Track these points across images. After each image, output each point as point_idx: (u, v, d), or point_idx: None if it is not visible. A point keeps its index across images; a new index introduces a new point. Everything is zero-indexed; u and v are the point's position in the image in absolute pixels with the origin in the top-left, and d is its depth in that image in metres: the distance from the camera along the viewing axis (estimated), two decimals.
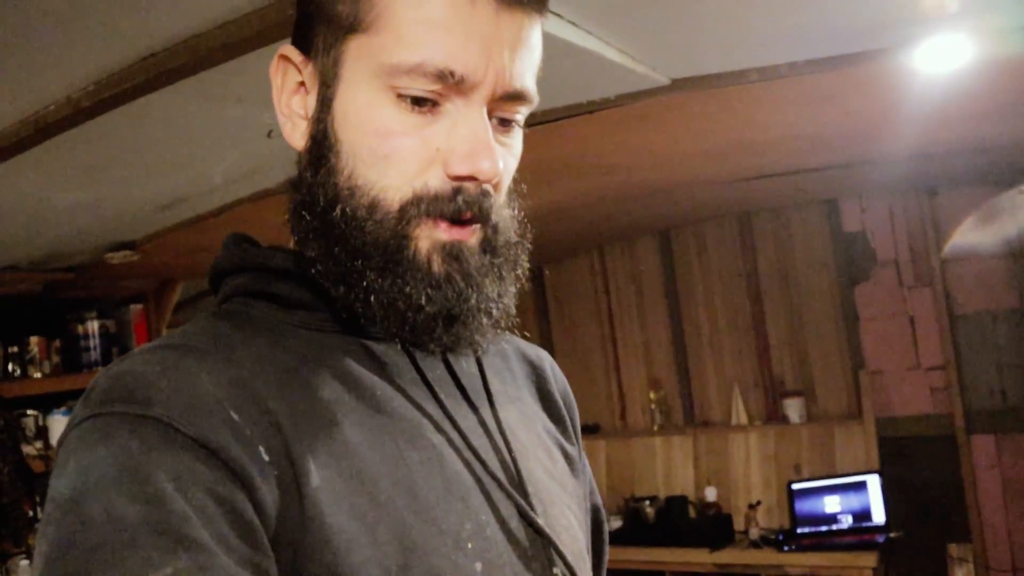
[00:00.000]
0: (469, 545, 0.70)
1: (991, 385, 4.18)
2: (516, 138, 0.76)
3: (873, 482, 4.11)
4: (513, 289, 0.76)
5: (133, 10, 1.33)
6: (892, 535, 3.99)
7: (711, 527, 4.29)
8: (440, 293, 0.70)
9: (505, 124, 0.73)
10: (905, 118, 2.60)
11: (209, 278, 0.82)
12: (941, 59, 1.98)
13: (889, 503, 4.07)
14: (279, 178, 2.50)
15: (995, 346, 4.17)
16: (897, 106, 2.50)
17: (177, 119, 1.87)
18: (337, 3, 0.71)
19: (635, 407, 5.06)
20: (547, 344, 5.28)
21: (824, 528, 4.14)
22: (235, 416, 0.63)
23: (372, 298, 0.70)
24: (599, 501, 0.95)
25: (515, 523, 0.75)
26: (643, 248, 5.03)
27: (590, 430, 5.06)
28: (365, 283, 0.70)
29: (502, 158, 0.72)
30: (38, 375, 3.39)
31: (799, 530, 4.17)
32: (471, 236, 0.72)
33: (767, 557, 4.03)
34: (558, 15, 1.56)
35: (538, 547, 0.76)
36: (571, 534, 0.82)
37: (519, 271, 0.77)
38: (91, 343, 3.55)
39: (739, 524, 4.38)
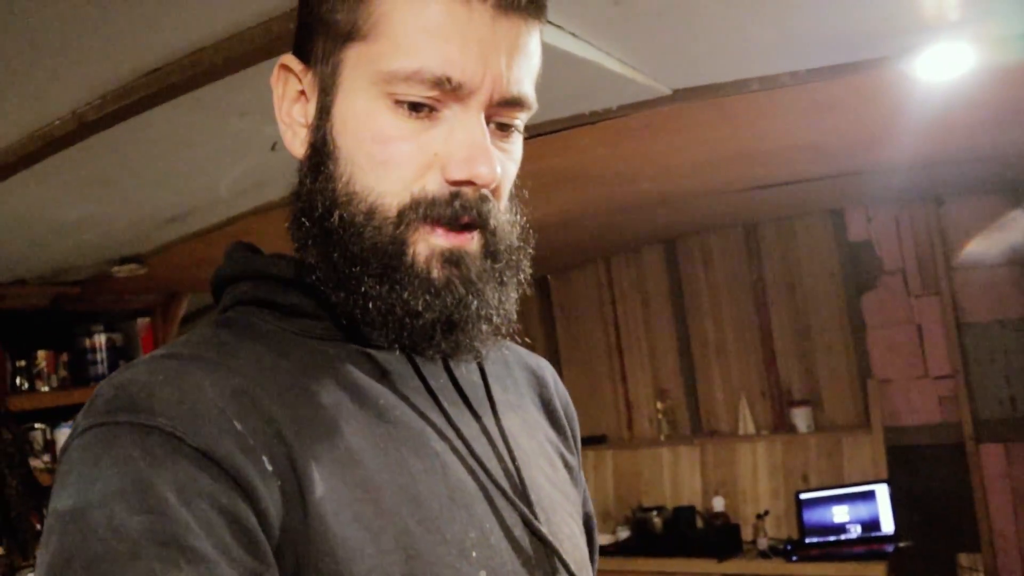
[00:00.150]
0: (473, 554, 0.70)
1: (1000, 394, 4.16)
2: (515, 143, 0.76)
3: (882, 491, 4.09)
4: (515, 295, 0.76)
5: (137, 26, 1.34)
6: (901, 545, 3.97)
7: (719, 537, 4.28)
8: (439, 299, 0.70)
9: (504, 129, 0.74)
10: (907, 127, 2.60)
11: (211, 286, 0.82)
12: (943, 67, 1.99)
13: (898, 513, 4.05)
14: (284, 191, 2.51)
15: (1004, 354, 4.15)
16: (899, 115, 2.50)
17: (181, 133, 1.88)
18: (336, 12, 0.71)
19: (642, 417, 5.05)
20: (553, 354, 5.27)
21: (832, 538, 4.12)
22: (238, 426, 0.63)
23: (370, 304, 0.70)
24: (591, 510, 0.95)
25: (519, 531, 0.75)
26: (649, 258, 5.03)
27: (597, 440, 5.05)
28: (363, 289, 0.70)
29: (500, 163, 0.72)
30: (45, 389, 3.40)
31: (807, 540, 4.15)
32: (471, 242, 0.72)
33: (775, 567, 4.01)
34: (558, 26, 1.57)
35: (541, 555, 0.76)
36: (573, 542, 0.82)
37: (521, 276, 0.77)
38: (98, 357, 3.56)
39: (747, 534, 4.36)
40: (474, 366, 0.83)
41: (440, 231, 0.70)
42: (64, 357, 3.48)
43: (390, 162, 0.70)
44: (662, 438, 4.89)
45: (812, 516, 4.20)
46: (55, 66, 1.45)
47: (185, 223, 2.68)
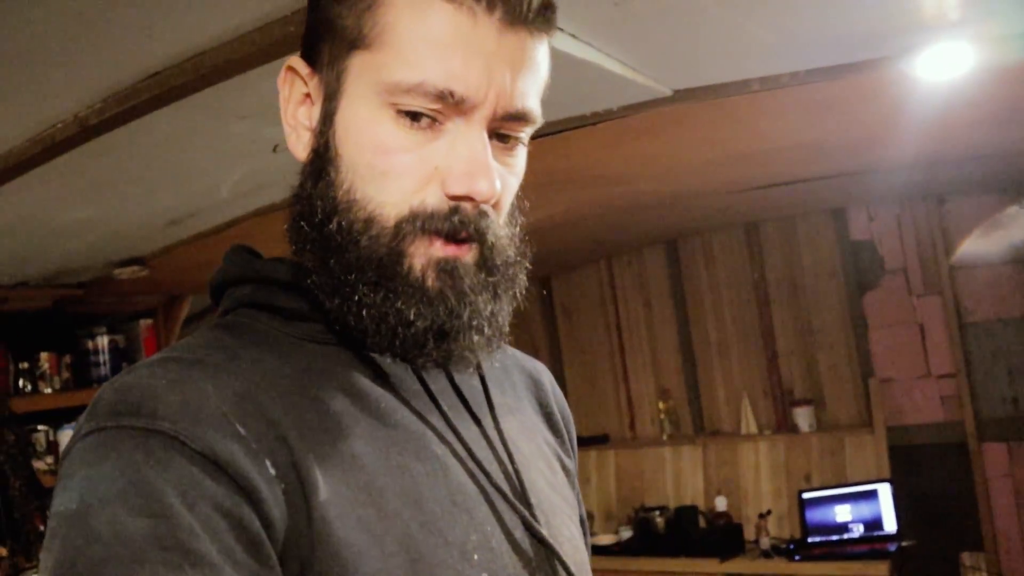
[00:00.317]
0: (475, 556, 0.70)
1: (1002, 393, 4.16)
2: (518, 157, 0.76)
3: (884, 491, 4.09)
4: (508, 308, 0.76)
5: (138, 30, 1.35)
6: (904, 544, 3.96)
7: (721, 537, 4.28)
8: (431, 309, 0.70)
9: (507, 142, 0.73)
10: (908, 126, 2.60)
11: (211, 289, 0.82)
12: (943, 67, 1.99)
13: (900, 512, 4.05)
14: (285, 193, 2.51)
15: (1006, 353, 4.15)
16: (900, 114, 2.50)
17: (183, 136, 1.88)
18: (343, 18, 0.71)
19: (644, 417, 5.05)
20: (555, 355, 5.28)
21: (835, 537, 4.12)
22: (241, 430, 0.63)
23: (364, 312, 0.70)
24: (584, 513, 0.96)
25: (519, 534, 0.75)
26: (650, 258, 5.03)
27: (599, 440, 5.05)
28: (357, 297, 0.70)
29: (501, 177, 0.72)
30: (48, 391, 3.40)
31: (810, 539, 4.15)
32: (467, 253, 0.72)
33: (778, 567, 4.01)
34: (559, 28, 1.57)
35: (542, 558, 0.76)
36: (573, 544, 0.83)
37: (516, 290, 0.77)
38: (101, 358, 3.57)
39: (749, 534, 4.36)
40: (473, 369, 0.83)
41: (438, 242, 0.71)
42: (67, 359, 3.48)
43: (390, 173, 0.70)
44: (664, 438, 4.89)
45: (815, 515, 4.19)
46: (57, 70, 1.45)
47: (187, 225, 2.69)
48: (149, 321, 3.75)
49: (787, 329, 4.65)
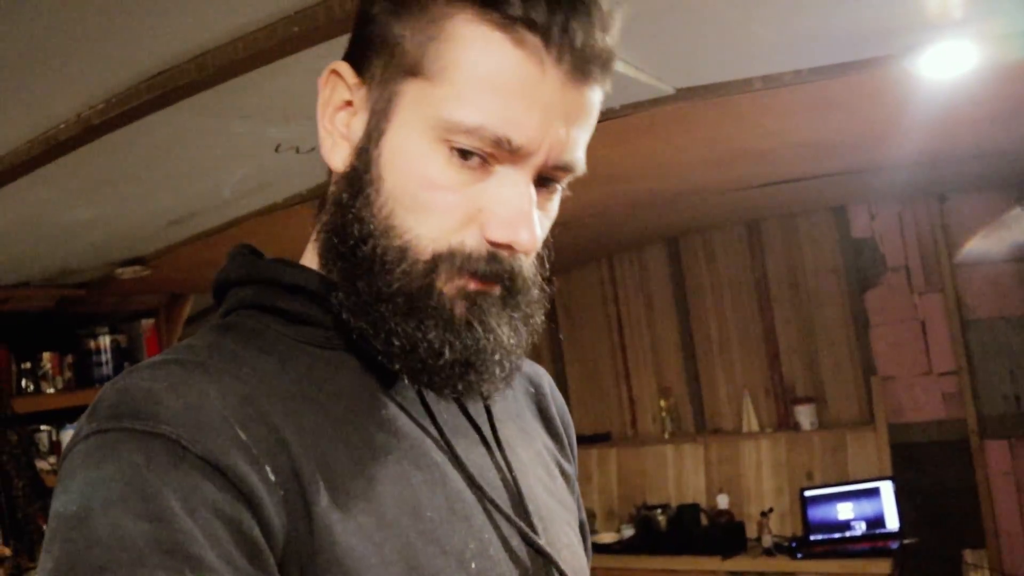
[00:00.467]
0: (473, 565, 0.70)
1: (1004, 390, 4.16)
2: (555, 201, 0.76)
3: (886, 488, 4.10)
4: (525, 344, 0.76)
5: (140, 30, 1.35)
6: (906, 542, 3.97)
7: (723, 535, 4.28)
8: (459, 339, 0.70)
9: (548, 187, 0.73)
10: (911, 124, 2.60)
11: (213, 289, 0.81)
12: (946, 65, 1.98)
13: (903, 509, 4.05)
14: (287, 192, 2.52)
15: (1008, 351, 4.15)
16: (902, 112, 2.50)
17: (185, 135, 1.88)
18: (403, 40, 0.69)
19: (645, 415, 5.05)
20: (557, 353, 5.28)
21: (837, 535, 4.12)
22: (242, 435, 0.62)
23: (393, 339, 0.70)
24: (584, 518, 0.95)
25: (516, 542, 0.75)
26: (652, 256, 5.03)
27: (601, 439, 5.06)
28: (389, 325, 0.70)
29: (539, 223, 0.71)
30: (51, 391, 3.40)
31: (812, 537, 4.15)
32: (494, 288, 0.72)
33: (780, 565, 4.02)
34: None
35: (539, 566, 0.76)
36: (572, 551, 0.83)
37: (533, 326, 0.76)
38: (103, 358, 3.57)
39: (751, 532, 4.37)
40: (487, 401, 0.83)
41: (471, 280, 0.70)
42: (69, 359, 3.49)
43: (433, 208, 0.69)
44: (666, 436, 4.89)
45: (816, 513, 4.20)
46: (59, 71, 1.45)
47: (189, 225, 2.69)
48: (151, 321, 3.76)
49: (788, 327, 4.65)
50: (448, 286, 0.70)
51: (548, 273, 0.79)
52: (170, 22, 1.34)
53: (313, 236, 0.77)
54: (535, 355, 1.02)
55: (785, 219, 4.65)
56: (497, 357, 0.72)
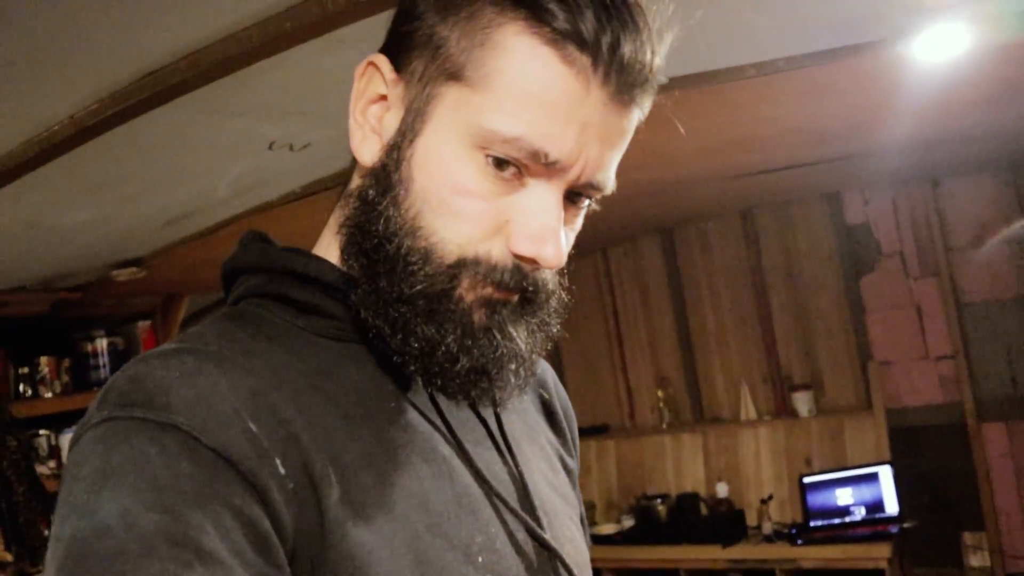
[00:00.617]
0: (480, 559, 0.70)
1: (1001, 373, 4.18)
2: (581, 217, 0.76)
3: (885, 473, 4.11)
4: (540, 353, 0.76)
5: (132, 29, 1.34)
6: (906, 525, 3.98)
7: (723, 523, 4.29)
8: (477, 346, 0.70)
9: (575, 202, 0.73)
10: (905, 108, 2.60)
11: (222, 275, 0.80)
12: (939, 48, 1.99)
13: (902, 494, 4.07)
14: (282, 190, 2.52)
15: (1004, 334, 4.17)
16: (896, 96, 2.50)
17: (179, 135, 1.88)
18: (448, 43, 0.69)
19: (643, 406, 5.06)
20: (553, 346, 5.27)
21: (837, 521, 4.14)
22: (253, 427, 0.62)
23: (412, 340, 0.70)
24: (583, 512, 0.96)
25: (522, 536, 0.75)
26: (646, 247, 5.04)
27: (599, 430, 5.07)
28: (410, 327, 0.70)
29: (565, 236, 0.71)
30: (49, 395, 3.40)
31: (812, 523, 4.17)
32: (514, 297, 0.72)
33: (781, 551, 4.03)
34: None
35: (544, 560, 0.76)
36: (575, 545, 0.83)
37: (550, 334, 0.76)
38: (100, 361, 3.56)
39: (751, 519, 4.38)
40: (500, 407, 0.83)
41: (494, 290, 0.70)
42: (66, 362, 3.48)
43: (462, 215, 0.69)
44: (664, 426, 4.90)
45: (816, 499, 4.21)
46: (52, 72, 1.44)
47: (184, 225, 2.68)
48: (148, 322, 3.75)
49: (784, 314, 4.66)
50: (469, 293, 0.70)
51: (567, 282, 0.79)
52: (162, 20, 1.34)
53: (334, 229, 0.77)
54: None
55: (779, 207, 4.65)
56: (513, 366, 0.72)
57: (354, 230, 0.73)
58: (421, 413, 0.74)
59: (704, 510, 4.45)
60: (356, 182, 0.75)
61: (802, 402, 4.49)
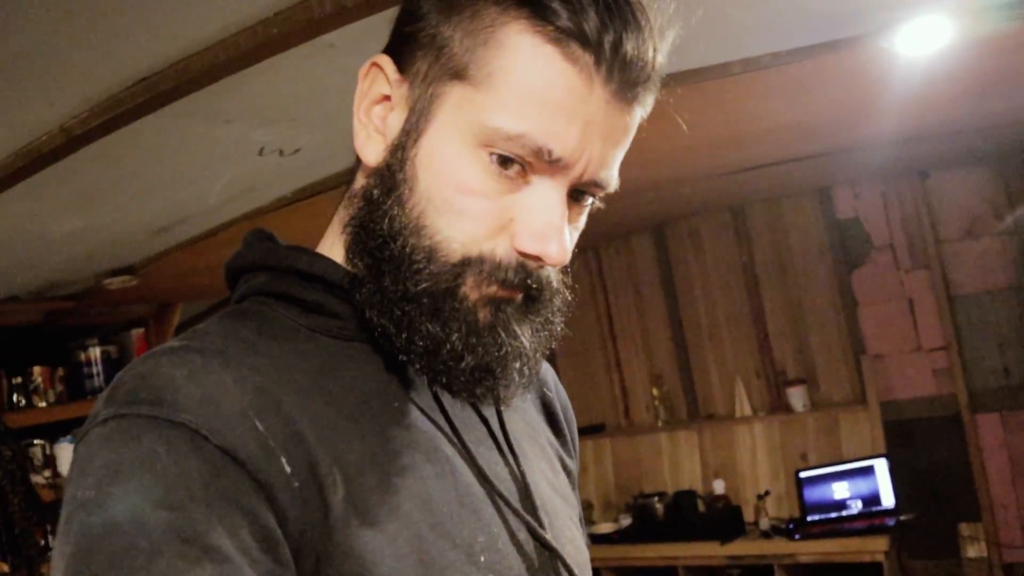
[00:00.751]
0: (482, 558, 0.70)
1: (993, 364, 4.19)
2: (585, 215, 0.76)
3: (881, 466, 4.13)
4: (544, 352, 0.77)
5: (121, 37, 1.35)
6: (902, 518, 4.00)
7: (721, 520, 4.30)
8: (482, 344, 0.70)
9: (579, 201, 0.74)
10: (890, 102, 2.61)
11: (226, 273, 0.80)
12: (921, 42, 2.00)
13: (898, 486, 4.08)
14: (273, 195, 2.52)
15: (995, 325, 4.18)
16: (881, 91, 2.51)
17: (169, 142, 1.88)
18: (451, 43, 0.69)
19: (638, 404, 5.07)
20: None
21: (834, 515, 4.15)
22: (260, 426, 0.62)
23: (416, 339, 0.70)
24: (581, 512, 0.96)
25: (523, 536, 0.76)
26: (638, 245, 5.05)
27: (595, 429, 5.07)
28: (412, 325, 0.70)
29: (568, 234, 0.72)
30: (43, 404, 3.39)
31: (809, 518, 4.18)
32: (518, 295, 0.72)
33: (778, 547, 4.04)
34: None
35: (545, 560, 0.77)
36: (575, 545, 0.84)
37: (553, 333, 0.77)
38: (94, 370, 3.56)
39: (749, 515, 4.39)
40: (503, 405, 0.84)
41: (498, 288, 0.71)
42: (60, 372, 3.48)
43: (466, 214, 0.69)
44: (659, 424, 4.91)
45: (813, 494, 4.23)
46: (40, 82, 1.45)
47: (176, 232, 2.68)
48: (141, 330, 3.75)
49: (777, 310, 4.68)
50: (474, 292, 0.70)
51: (570, 280, 0.79)
52: (149, 28, 1.34)
53: (338, 228, 0.77)
54: None
55: (770, 203, 4.67)
56: (518, 364, 0.73)
57: (359, 229, 0.73)
58: (424, 413, 0.75)
59: (701, 507, 4.46)
60: (360, 182, 0.76)
61: (797, 397, 4.50)
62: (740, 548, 4.13)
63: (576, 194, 0.73)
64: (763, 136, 3.01)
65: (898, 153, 3.73)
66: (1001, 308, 4.17)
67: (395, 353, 0.72)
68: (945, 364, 4.26)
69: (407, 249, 0.70)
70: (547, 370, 0.99)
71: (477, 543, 0.70)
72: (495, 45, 0.68)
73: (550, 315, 0.75)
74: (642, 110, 0.73)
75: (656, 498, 4.57)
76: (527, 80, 0.67)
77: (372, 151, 0.74)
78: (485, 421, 0.82)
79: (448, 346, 0.70)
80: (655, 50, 0.70)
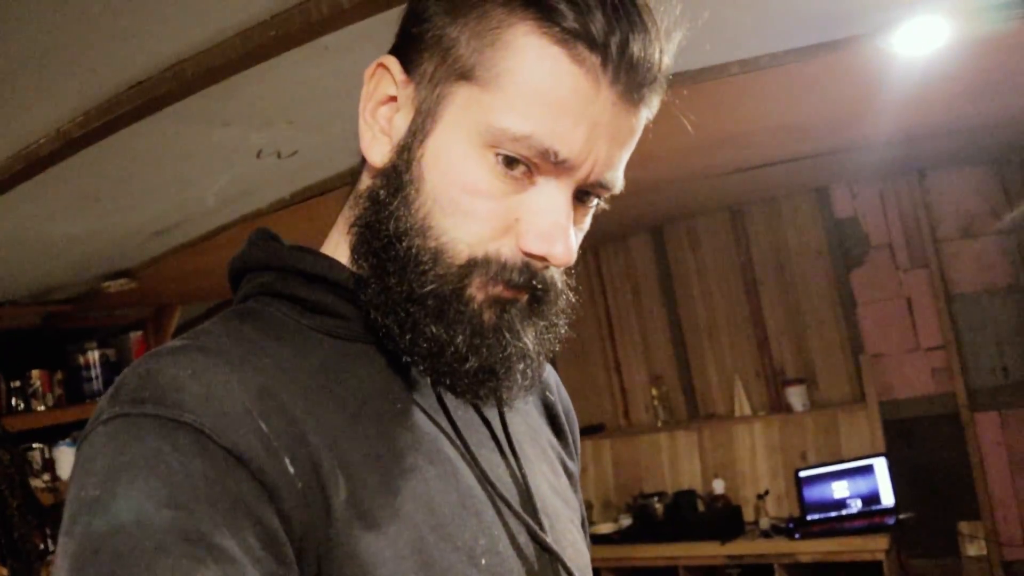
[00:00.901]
0: (483, 561, 0.70)
1: (992, 362, 4.20)
2: (590, 216, 0.76)
3: (880, 465, 4.13)
4: (547, 353, 0.77)
5: (117, 40, 1.34)
6: (902, 517, 4.00)
7: (721, 519, 4.30)
8: (486, 346, 0.70)
9: (584, 202, 0.74)
10: (888, 102, 2.61)
11: (229, 272, 0.80)
12: (919, 42, 2.00)
13: (897, 485, 4.08)
14: (271, 198, 2.52)
15: (994, 323, 4.19)
16: (879, 91, 2.51)
17: (167, 145, 1.88)
18: (458, 44, 0.69)
19: (638, 404, 5.07)
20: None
21: (834, 514, 4.15)
22: (263, 426, 0.62)
23: (421, 340, 0.70)
24: (584, 513, 0.96)
25: (524, 538, 0.76)
26: (637, 246, 5.05)
27: (594, 430, 5.07)
28: (417, 326, 0.70)
29: (574, 235, 0.72)
30: (41, 408, 3.39)
31: (809, 517, 4.18)
32: (523, 296, 0.73)
33: (778, 546, 4.04)
34: None
35: (545, 563, 0.77)
36: (576, 548, 0.83)
37: (557, 334, 0.77)
38: (93, 373, 3.56)
39: (748, 515, 4.39)
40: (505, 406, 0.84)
41: (504, 290, 0.71)
42: (59, 375, 3.47)
43: (472, 215, 0.69)
44: (659, 424, 4.91)
45: (812, 493, 4.23)
46: (36, 85, 1.44)
47: (173, 235, 2.68)
48: (139, 333, 3.74)
49: (776, 310, 4.68)
50: (480, 293, 0.70)
51: (573, 282, 0.79)
52: (146, 32, 1.34)
53: (343, 229, 0.77)
54: None
55: (768, 202, 4.67)
56: (521, 366, 0.73)
57: (364, 230, 0.73)
58: (427, 414, 0.75)
59: (701, 507, 4.46)
60: (366, 183, 0.76)
61: (796, 396, 4.51)
62: (740, 548, 4.13)
63: (581, 195, 0.73)
64: (761, 136, 3.01)
65: (896, 153, 3.74)
66: (999, 307, 4.18)
67: (399, 354, 0.72)
68: (944, 363, 4.26)
69: (413, 250, 0.70)
70: (549, 372, 0.99)
71: (478, 545, 0.70)
72: (502, 46, 0.68)
73: (554, 316, 0.76)
74: (648, 111, 0.73)
75: (656, 498, 4.57)
76: (534, 81, 0.67)
77: (378, 152, 0.74)
78: (487, 423, 0.82)
79: (452, 348, 0.70)
80: (661, 52, 0.71)
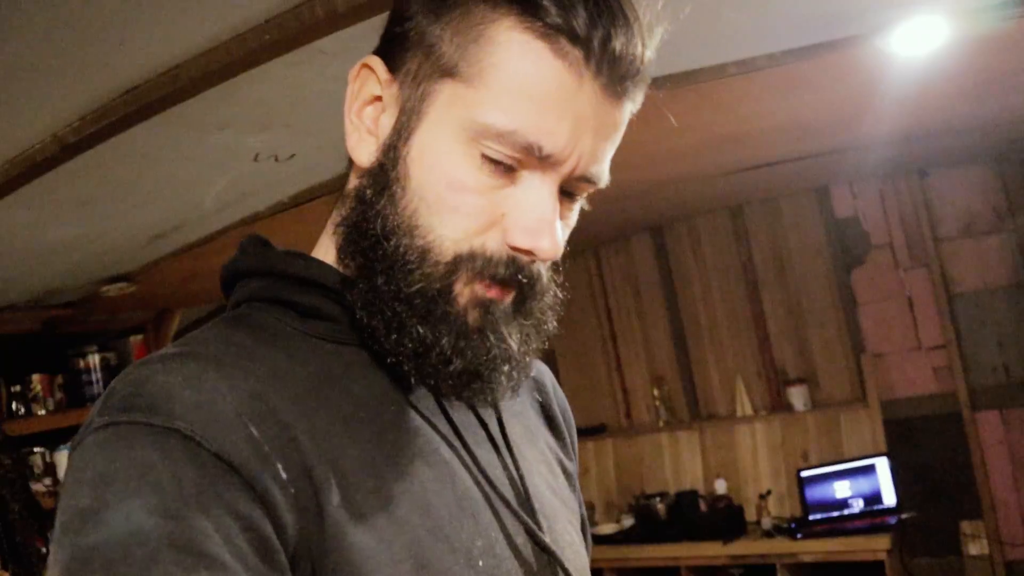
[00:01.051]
0: (480, 563, 0.70)
1: (993, 361, 4.18)
2: (575, 212, 0.76)
3: (882, 465, 4.12)
4: (535, 352, 0.77)
5: (113, 45, 1.34)
6: (904, 516, 3.99)
7: (723, 519, 4.30)
8: (471, 348, 0.70)
9: (569, 197, 0.74)
10: (886, 102, 2.61)
11: (222, 279, 0.80)
12: (917, 42, 2.00)
13: (899, 485, 4.08)
14: (269, 201, 2.52)
15: (995, 322, 4.18)
16: (877, 90, 2.51)
17: (163, 149, 1.88)
18: (441, 41, 0.70)
19: (639, 405, 5.06)
20: (548, 348, 5.27)
21: (836, 514, 4.15)
22: (255, 432, 0.62)
23: (407, 341, 0.70)
24: (584, 514, 0.96)
25: (522, 540, 0.75)
26: (637, 246, 5.04)
27: (596, 430, 5.06)
28: (404, 327, 0.70)
29: (560, 229, 0.72)
30: (42, 412, 3.39)
31: (811, 517, 4.17)
32: (508, 296, 0.72)
33: (780, 546, 4.03)
34: None
35: (543, 564, 0.76)
36: (574, 550, 0.83)
37: (544, 335, 0.77)
38: (93, 377, 3.56)
39: (750, 515, 4.38)
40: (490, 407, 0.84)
41: (486, 285, 0.71)
42: (59, 379, 3.48)
43: (458, 211, 0.69)
44: (661, 424, 4.90)
45: (814, 493, 4.22)
46: (33, 91, 1.45)
47: (171, 239, 2.68)
48: (139, 337, 3.75)
49: (777, 309, 4.67)
50: (466, 289, 0.70)
51: (561, 279, 0.79)
52: (141, 36, 1.34)
53: (330, 230, 0.77)
54: None
55: (768, 202, 4.66)
56: (506, 368, 0.73)
57: (351, 229, 0.73)
58: (423, 415, 0.74)
59: (703, 507, 4.45)
60: (353, 183, 0.76)
61: (797, 396, 4.50)
62: (742, 548, 4.12)
63: (567, 191, 0.73)
64: (760, 136, 3.01)
65: (896, 152, 3.73)
66: (1000, 305, 4.17)
67: (384, 354, 0.72)
68: (945, 362, 4.26)
69: (400, 249, 0.70)
70: (544, 372, 0.99)
71: (475, 547, 0.70)
72: (485, 42, 0.68)
73: (540, 313, 0.75)
74: (632, 105, 0.73)
75: (658, 498, 4.57)
76: (517, 76, 0.67)
77: (364, 152, 0.74)
78: (484, 424, 0.81)
79: (437, 349, 0.70)
80: (644, 46, 0.70)
